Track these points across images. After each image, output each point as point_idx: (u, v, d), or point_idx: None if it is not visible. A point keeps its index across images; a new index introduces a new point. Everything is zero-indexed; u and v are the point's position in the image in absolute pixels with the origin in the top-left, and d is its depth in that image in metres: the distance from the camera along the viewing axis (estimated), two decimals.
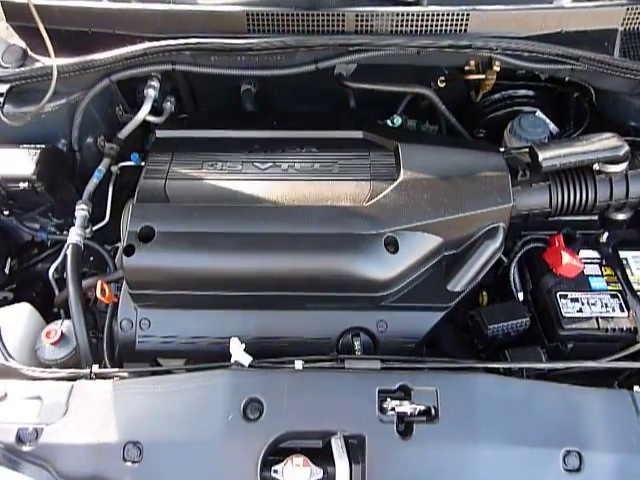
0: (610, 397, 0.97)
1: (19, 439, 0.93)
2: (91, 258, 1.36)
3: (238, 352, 0.98)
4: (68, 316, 1.23)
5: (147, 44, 1.18)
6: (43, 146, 1.24)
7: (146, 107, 1.34)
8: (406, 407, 0.91)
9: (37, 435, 0.93)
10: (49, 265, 1.34)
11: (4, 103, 1.22)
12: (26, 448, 0.92)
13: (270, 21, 1.19)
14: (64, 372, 1.04)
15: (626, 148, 1.12)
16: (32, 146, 1.24)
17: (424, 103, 1.45)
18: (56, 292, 1.35)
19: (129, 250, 1.05)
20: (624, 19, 1.21)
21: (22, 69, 1.20)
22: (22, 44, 1.26)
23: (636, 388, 0.98)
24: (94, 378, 1.02)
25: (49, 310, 1.35)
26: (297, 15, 1.18)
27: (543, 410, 0.94)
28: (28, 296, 1.34)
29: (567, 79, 1.27)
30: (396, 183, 1.12)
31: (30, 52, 1.24)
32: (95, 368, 1.03)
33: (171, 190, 1.13)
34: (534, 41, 1.17)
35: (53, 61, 1.11)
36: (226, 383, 0.95)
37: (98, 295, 1.14)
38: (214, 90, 1.46)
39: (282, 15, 1.18)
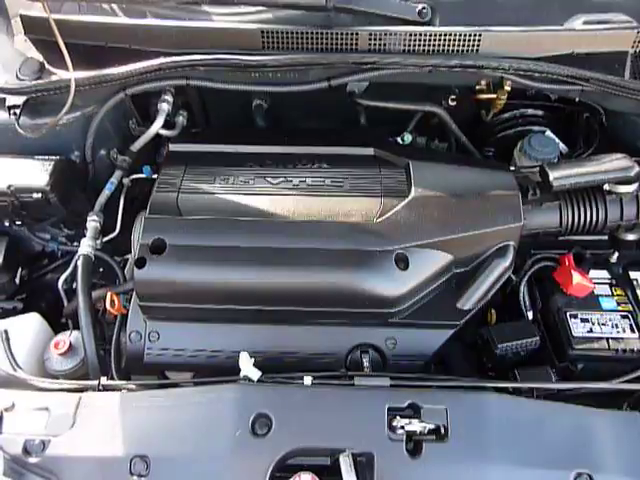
0: (621, 419, 0.96)
1: (26, 450, 0.93)
2: (101, 269, 1.37)
3: (247, 367, 0.98)
4: (76, 327, 1.23)
5: (162, 59, 1.19)
6: (57, 158, 1.26)
7: (159, 121, 1.35)
8: (415, 425, 0.90)
9: (44, 447, 0.93)
10: (59, 275, 1.35)
11: (20, 115, 1.24)
12: (33, 460, 0.92)
13: (284, 39, 1.21)
14: (72, 384, 1.04)
15: (637, 169, 1.13)
16: (46, 157, 1.25)
17: (434, 121, 1.46)
18: (65, 303, 1.35)
19: (140, 262, 1.06)
20: (634, 42, 1.22)
21: (39, 81, 1.22)
22: (39, 57, 1.28)
23: None
24: (102, 390, 1.02)
25: (58, 320, 1.35)
26: (311, 33, 1.20)
27: (553, 431, 0.93)
28: (37, 306, 1.34)
29: (577, 100, 1.28)
30: (407, 200, 1.12)
31: (47, 65, 1.26)
32: (103, 380, 1.03)
33: (183, 203, 1.14)
34: (545, 62, 1.18)
35: (71, 74, 1.12)
36: (235, 398, 0.95)
37: (107, 306, 1.14)
38: (226, 105, 1.47)
39: (296, 33, 1.20)
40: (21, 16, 1.29)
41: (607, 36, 1.21)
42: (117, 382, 1.05)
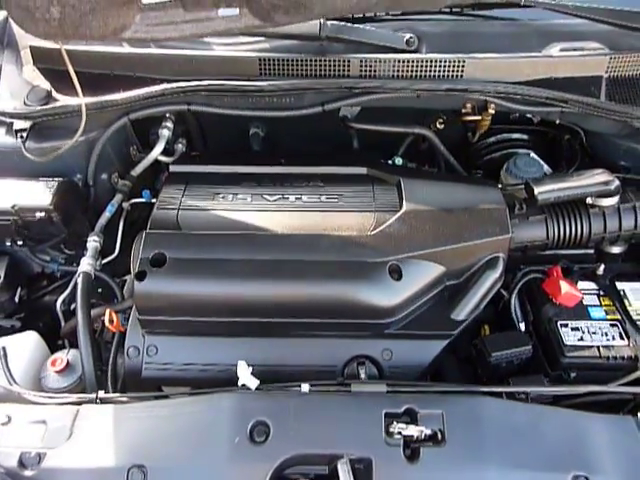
0: (615, 423, 0.97)
1: (21, 463, 0.92)
2: (99, 290, 1.38)
3: (245, 375, 0.99)
4: (73, 347, 1.24)
5: (165, 85, 1.26)
6: (60, 179, 1.30)
7: (160, 146, 1.41)
8: (412, 430, 0.91)
9: (40, 459, 0.92)
10: (57, 298, 1.36)
11: (27, 138, 1.29)
12: (28, 473, 0.91)
13: (280, 66, 1.28)
14: (69, 397, 1.05)
15: (616, 182, 1.18)
16: (50, 179, 1.30)
17: (424, 146, 1.53)
18: (62, 324, 1.36)
19: (141, 275, 1.08)
20: (608, 67, 1.30)
21: (48, 106, 1.27)
22: (46, 85, 1.34)
23: None
24: (99, 403, 1.02)
25: (55, 342, 1.35)
26: (305, 60, 1.27)
27: (550, 434, 0.94)
28: (35, 327, 1.34)
29: (558, 122, 1.35)
30: (399, 214, 1.16)
31: (54, 93, 1.32)
32: (101, 394, 1.03)
33: (183, 220, 1.17)
34: (525, 86, 1.26)
35: (82, 100, 1.18)
36: (233, 406, 0.95)
37: (106, 323, 1.15)
38: (224, 133, 1.53)
39: (292, 60, 1.27)
40: (31, 47, 1.37)
41: (582, 62, 1.29)
42: (114, 395, 1.06)
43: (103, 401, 1.02)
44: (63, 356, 1.21)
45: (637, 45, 1.34)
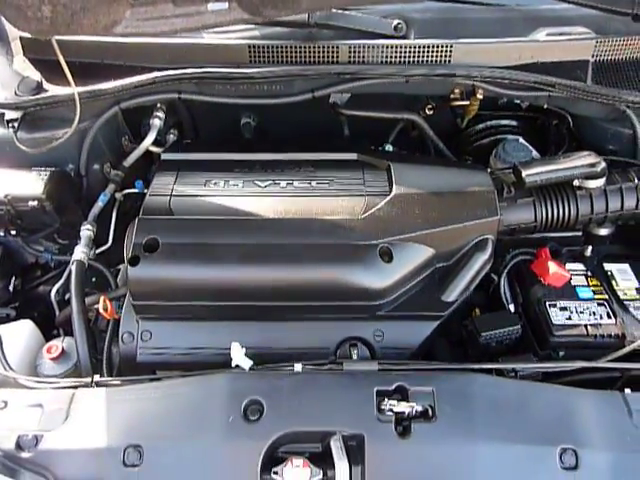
0: (603, 398, 0.99)
1: (18, 446, 0.93)
2: (93, 279, 1.39)
3: (239, 356, 1.01)
4: (68, 335, 1.25)
5: (156, 73, 1.26)
6: (53, 169, 1.30)
7: (151, 135, 1.41)
8: (403, 407, 0.93)
9: (37, 442, 0.93)
10: (51, 288, 1.37)
11: (18, 129, 1.29)
12: (25, 455, 0.92)
13: (270, 53, 1.29)
14: (65, 381, 1.06)
15: (603, 164, 1.20)
16: (42, 168, 1.30)
17: (414, 133, 1.54)
18: (57, 314, 1.37)
19: (134, 260, 1.09)
20: (594, 51, 1.32)
21: (39, 96, 1.28)
22: (36, 76, 1.34)
23: (627, 391, 1.00)
24: (95, 387, 1.03)
25: (49, 332, 1.36)
26: (295, 47, 1.28)
27: (538, 409, 0.96)
28: (30, 316, 1.35)
29: (546, 107, 1.36)
30: (389, 197, 1.18)
31: (45, 83, 1.32)
32: (96, 377, 1.04)
33: (175, 206, 1.18)
34: (513, 70, 1.27)
35: (74, 89, 1.18)
36: (227, 385, 0.97)
37: (100, 310, 1.16)
38: (215, 123, 1.54)
39: (281, 47, 1.28)
40: (21, 38, 1.37)
41: (568, 46, 1.31)
42: (109, 378, 1.07)
43: (98, 385, 1.04)
44: (58, 343, 1.22)
45: (623, 29, 1.36)
